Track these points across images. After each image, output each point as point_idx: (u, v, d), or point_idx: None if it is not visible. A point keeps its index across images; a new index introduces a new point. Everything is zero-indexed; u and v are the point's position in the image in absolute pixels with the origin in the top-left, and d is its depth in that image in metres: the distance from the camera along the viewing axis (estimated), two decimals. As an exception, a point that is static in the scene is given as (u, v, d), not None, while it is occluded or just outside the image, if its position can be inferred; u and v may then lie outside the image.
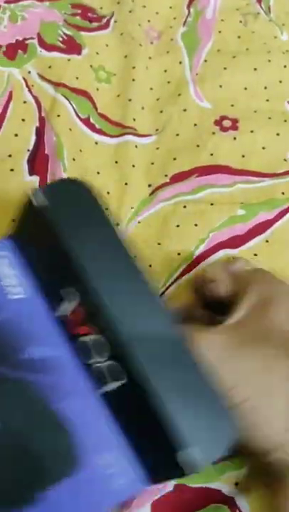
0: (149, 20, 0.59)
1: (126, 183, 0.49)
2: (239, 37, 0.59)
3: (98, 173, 0.50)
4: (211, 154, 0.51)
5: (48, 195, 0.30)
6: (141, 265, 0.31)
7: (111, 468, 0.28)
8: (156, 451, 0.28)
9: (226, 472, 0.37)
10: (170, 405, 0.26)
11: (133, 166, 0.50)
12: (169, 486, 0.37)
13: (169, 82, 0.55)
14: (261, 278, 0.36)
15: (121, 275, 0.30)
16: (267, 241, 0.47)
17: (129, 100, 0.53)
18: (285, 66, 0.57)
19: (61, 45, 0.55)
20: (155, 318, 0.29)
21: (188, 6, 0.61)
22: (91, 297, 0.29)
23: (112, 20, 0.58)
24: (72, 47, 0.55)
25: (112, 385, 0.29)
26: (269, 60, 0.57)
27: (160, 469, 0.28)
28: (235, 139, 0.52)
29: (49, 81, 0.52)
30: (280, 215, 0.48)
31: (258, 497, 0.36)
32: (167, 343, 0.28)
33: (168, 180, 0.50)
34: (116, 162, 0.50)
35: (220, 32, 0.59)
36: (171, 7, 0.61)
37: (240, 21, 0.60)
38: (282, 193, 0.49)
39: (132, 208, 0.48)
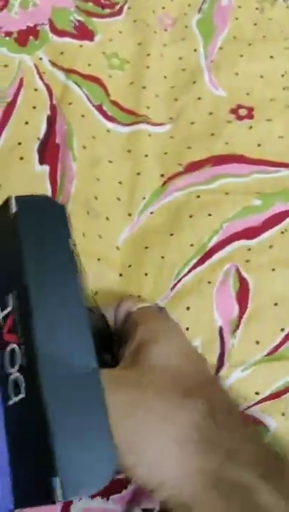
0: (163, 7, 0.57)
1: (138, 173, 0.48)
2: (255, 24, 0.57)
3: (110, 161, 0.48)
4: (226, 143, 0.49)
5: (20, 204, 0.30)
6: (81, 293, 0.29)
7: None
8: (32, 472, 0.26)
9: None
10: (56, 430, 0.25)
11: (146, 155, 0.49)
12: None
13: (183, 70, 0.54)
14: (146, 318, 0.35)
15: (59, 293, 0.29)
16: (282, 232, 0.45)
17: (143, 88, 0.52)
18: (302, 54, 0.55)
19: (73, 30, 0.53)
20: (76, 342, 0.28)
21: (204, -8, 0.59)
22: (22, 304, 0.28)
23: (126, 7, 0.57)
24: (84, 33, 0.54)
25: (14, 399, 0.27)
26: (286, 48, 0.55)
27: (30, 492, 0.27)
28: (251, 127, 0.50)
29: (61, 68, 0.51)
30: (297, 206, 0.46)
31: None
32: (76, 369, 0.27)
33: (182, 170, 0.48)
34: (128, 151, 0.49)
35: (236, 19, 0.57)
36: (186, -7, 0.59)
37: (257, 8, 0.58)
38: (300, 184, 0.47)
39: (144, 198, 0.47)
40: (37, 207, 0.30)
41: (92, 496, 0.36)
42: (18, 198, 0.30)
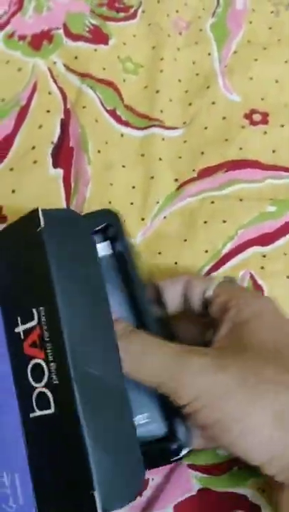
0: (177, 11, 0.57)
1: (152, 177, 0.48)
2: (270, 28, 0.57)
3: (123, 166, 0.48)
4: (240, 149, 0.49)
5: (47, 218, 0.30)
6: (109, 307, 0.30)
7: (5, 488, 0.28)
8: (59, 485, 0.27)
9: (252, 477, 0.36)
10: (92, 447, 0.26)
11: (160, 159, 0.49)
12: (194, 489, 0.35)
13: (197, 74, 0.54)
14: (232, 297, 0.34)
15: (89, 309, 0.29)
16: (297, 239, 0.45)
17: (157, 92, 0.52)
18: (317, 58, 0.55)
19: (87, 34, 0.53)
20: (107, 362, 0.29)
21: (218, -4, 0.59)
22: (51, 321, 0.28)
23: (140, 11, 0.57)
24: (98, 37, 0.54)
25: (39, 412, 0.28)
26: (302, 52, 0.55)
27: (58, 504, 0.27)
28: (265, 133, 0.50)
29: (75, 72, 0.51)
30: (312, 212, 0.46)
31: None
32: (109, 388, 0.28)
33: (195, 175, 0.48)
34: (142, 155, 0.49)
35: (250, 22, 0.57)
36: (200, -3, 0.59)
37: (272, 12, 0.58)
38: (315, 190, 0.47)
39: (157, 202, 0.47)
40: (63, 221, 0.30)
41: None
42: (45, 212, 0.30)
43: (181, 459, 0.31)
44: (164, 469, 0.36)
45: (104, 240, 0.36)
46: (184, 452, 0.31)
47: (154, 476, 0.36)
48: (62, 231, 0.30)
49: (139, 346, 0.30)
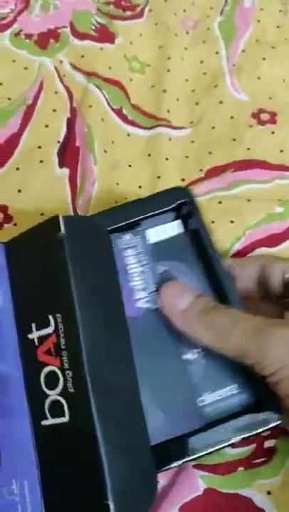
0: (184, 10, 0.57)
1: (158, 177, 0.47)
2: (278, 27, 0.56)
3: (130, 165, 0.48)
4: (248, 149, 0.49)
5: (67, 226, 0.30)
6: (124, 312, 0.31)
7: (14, 496, 0.28)
8: (71, 493, 0.27)
9: (258, 479, 0.35)
10: (109, 458, 0.26)
11: (166, 159, 0.48)
12: (200, 488, 0.35)
13: (205, 73, 0.53)
14: None
15: (105, 317, 0.29)
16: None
17: (164, 91, 0.51)
18: None
19: (94, 33, 0.53)
20: (122, 369, 0.29)
21: (226, -5, 0.59)
22: (69, 330, 0.28)
23: (147, 9, 0.56)
24: (105, 35, 0.53)
25: (51, 421, 0.28)
26: (310, 51, 0.54)
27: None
28: (273, 133, 0.50)
29: (81, 70, 0.51)
30: None
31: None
32: (124, 395, 0.28)
33: (203, 175, 0.48)
34: (149, 155, 0.49)
35: (258, 21, 0.57)
36: (208, -4, 0.59)
37: (280, 10, 0.57)
38: None
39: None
40: (83, 228, 0.30)
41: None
42: (66, 219, 0.30)
43: (270, 429, 0.31)
44: (170, 471, 0.36)
45: (176, 218, 0.36)
46: (273, 424, 0.31)
47: (160, 479, 0.36)
48: (82, 238, 0.30)
49: (223, 321, 0.30)
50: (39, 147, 0.46)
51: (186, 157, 0.49)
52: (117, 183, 0.47)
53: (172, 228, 0.36)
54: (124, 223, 0.35)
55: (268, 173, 0.47)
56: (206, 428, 0.31)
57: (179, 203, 0.36)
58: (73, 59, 0.51)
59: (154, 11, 0.56)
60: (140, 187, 0.47)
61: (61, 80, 0.50)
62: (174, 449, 0.31)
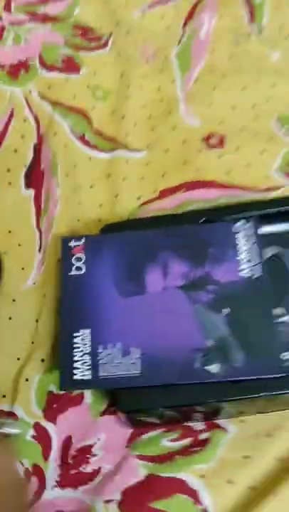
0: (145, 40, 0.62)
1: (117, 195, 0.53)
2: (231, 57, 0.62)
3: (91, 186, 0.53)
4: (197, 170, 0.54)
5: None
6: None
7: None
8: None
9: (193, 465, 0.41)
10: None
11: (124, 179, 0.54)
12: (140, 475, 0.40)
13: (161, 100, 0.59)
14: None
15: None
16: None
17: (123, 117, 0.57)
18: (273, 85, 0.60)
19: (60, 65, 0.59)
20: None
21: (184, 26, 0.64)
22: None
23: (110, 41, 0.62)
24: (71, 67, 0.59)
25: None
26: (258, 80, 0.60)
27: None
28: (221, 156, 0.55)
29: (48, 100, 0.56)
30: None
31: (223, 493, 0.40)
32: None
33: (157, 195, 0.53)
34: (108, 175, 0.54)
35: (212, 51, 0.62)
36: (167, 27, 0.64)
37: (233, 41, 0.63)
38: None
39: (121, 218, 0.52)
40: None
41: (63, 486, 0.41)
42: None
43: None
44: (115, 459, 0.42)
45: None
46: None
47: (106, 465, 0.41)
48: None
49: None
50: (8, 170, 0.52)
51: (142, 178, 0.54)
52: (79, 203, 0.52)
53: (284, 225, 0.46)
54: (244, 216, 0.46)
55: (214, 192, 0.53)
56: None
57: None
58: (41, 89, 0.56)
59: (116, 41, 0.62)
60: (101, 205, 0.52)
61: (30, 109, 0.55)
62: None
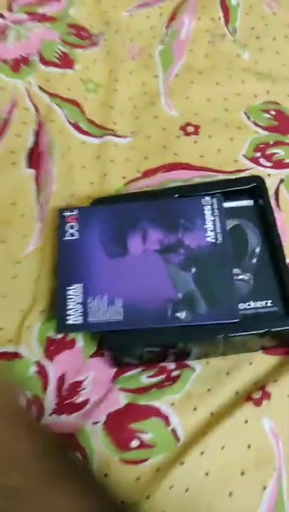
0: (131, 40, 0.71)
1: (105, 174, 0.61)
2: (207, 55, 0.70)
3: (83, 167, 0.62)
4: (175, 154, 0.63)
5: None
6: None
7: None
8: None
9: (165, 395, 0.50)
10: None
11: (112, 160, 0.62)
12: (122, 403, 0.49)
13: (145, 93, 0.67)
14: None
15: None
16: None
17: (111, 107, 0.65)
18: (243, 81, 0.68)
19: (57, 61, 0.67)
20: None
21: (167, 27, 0.73)
22: None
23: (102, 39, 0.70)
24: (66, 62, 0.67)
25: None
26: (230, 76, 0.68)
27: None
28: (196, 142, 0.64)
29: (46, 91, 0.64)
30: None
31: (189, 417, 0.49)
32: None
33: (140, 175, 0.62)
34: (98, 157, 0.62)
35: (191, 51, 0.70)
36: (151, 27, 0.73)
37: (209, 41, 0.71)
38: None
39: (109, 194, 0.60)
40: None
41: (59, 413, 0.50)
42: None
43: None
44: (101, 391, 0.50)
45: (249, 196, 0.56)
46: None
47: (94, 396, 0.50)
48: None
49: None
50: (12, 152, 0.60)
51: (127, 160, 0.63)
52: (72, 181, 0.61)
53: (245, 202, 0.55)
54: (212, 192, 0.55)
55: (189, 173, 0.62)
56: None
57: (254, 185, 0.55)
58: (40, 82, 0.65)
59: (107, 40, 0.70)
60: (91, 183, 0.61)
61: (30, 99, 0.63)
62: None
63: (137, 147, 0.64)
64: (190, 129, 0.65)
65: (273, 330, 0.48)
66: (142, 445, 0.47)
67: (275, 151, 0.63)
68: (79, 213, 0.54)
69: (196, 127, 0.65)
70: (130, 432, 0.48)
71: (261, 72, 0.69)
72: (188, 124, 0.65)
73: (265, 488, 0.46)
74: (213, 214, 0.53)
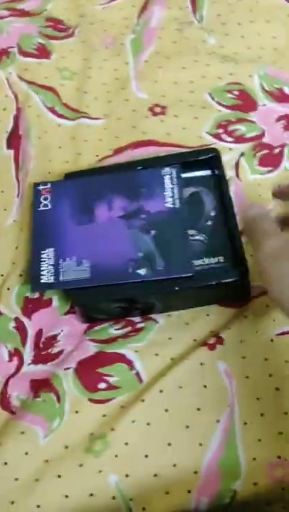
0: (105, 30, 0.77)
1: (79, 154, 0.67)
2: (175, 42, 0.76)
3: (59, 147, 0.68)
4: (144, 133, 0.69)
5: None
6: None
7: None
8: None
9: (130, 343, 0.56)
10: None
11: (85, 140, 0.68)
12: (91, 352, 0.55)
13: (117, 79, 0.73)
14: None
15: None
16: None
17: (85, 92, 0.71)
18: (208, 65, 0.74)
19: (35, 52, 0.73)
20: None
21: (138, 17, 0.78)
22: None
23: (77, 30, 0.76)
24: (43, 53, 0.73)
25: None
26: (195, 61, 0.74)
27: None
28: (162, 121, 0.70)
29: (24, 80, 0.71)
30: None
31: (151, 361, 0.55)
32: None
33: (111, 153, 0.68)
34: (73, 138, 0.69)
35: (160, 38, 0.76)
36: (125, 18, 0.79)
37: (177, 29, 0.77)
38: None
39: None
40: None
41: (36, 363, 0.56)
42: None
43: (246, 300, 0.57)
44: (74, 342, 0.57)
45: (206, 166, 0.61)
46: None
47: (67, 347, 0.57)
48: None
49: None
50: (-7, 135, 0.67)
51: (100, 140, 0.69)
52: (50, 160, 0.67)
53: (203, 172, 0.61)
54: (172, 163, 0.61)
55: (157, 150, 0.67)
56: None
57: (211, 156, 0.61)
58: (19, 72, 0.71)
59: (82, 31, 0.76)
60: (67, 161, 0.67)
61: (10, 87, 0.70)
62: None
63: (108, 128, 0.70)
64: (158, 109, 0.70)
65: (222, 281, 0.54)
66: (109, 387, 0.54)
67: (237, 127, 0.69)
68: (52, 187, 0.60)
69: (164, 108, 0.70)
70: (98, 376, 0.54)
71: (226, 55, 0.75)
72: (156, 105, 0.71)
73: (218, 421, 0.52)
74: (172, 183, 0.59)
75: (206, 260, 0.56)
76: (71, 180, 0.61)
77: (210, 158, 0.61)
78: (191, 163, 0.61)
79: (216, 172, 0.61)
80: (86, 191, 0.59)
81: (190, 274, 0.54)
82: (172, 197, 0.58)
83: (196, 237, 0.57)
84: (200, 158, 0.61)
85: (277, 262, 0.42)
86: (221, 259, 0.56)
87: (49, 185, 0.60)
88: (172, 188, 0.58)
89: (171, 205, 0.57)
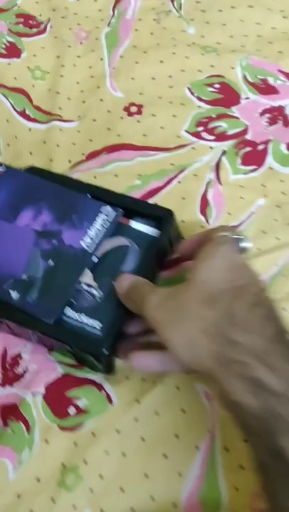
0: (79, 24, 0.73)
1: (51, 159, 0.64)
2: (152, 33, 0.72)
3: (31, 153, 0.65)
4: (119, 135, 0.65)
5: None
6: None
7: None
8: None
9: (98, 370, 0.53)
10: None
11: (57, 145, 0.65)
12: (58, 373, 0.53)
13: (92, 77, 0.69)
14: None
15: None
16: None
17: (57, 93, 0.68)
18: (187, 57, 0.70)
19: (4, 51, 0.69)
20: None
21: (113, 8, 0.74)
22: None
23: (49, 26, 0.72)
24: (13, 52, 0.70)
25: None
26: (174, 53, 0.70)
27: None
28: (139, 121, 0.66)
29: (-8, 83, 0.67)
30: (168, 181, 0.62)
31: (122, 384, 0.52)
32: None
33: (84, 158, 0.64)
34: (44, 142, 0.65)
35: (136, 30, 0.72)
36: (100, 10, 0.74)
37: (154, 19, 0.73)
38: (171, 164, 0.63)
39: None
40: None
41: (3, 385, 0.53)
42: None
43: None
44: (39, 360, 0.54)
45: (156, 227, 0.54)
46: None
47: (32, 365, 0.54)
48: None
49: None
50: None
51: (73, 144, 0.65)
52: (20, 168, 0.63)
53: (151, 230, 0.54)
54: (119, 205, 0.55)
55: (131, 153, 0.64)
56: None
57: (161, 216, 0.54)
58: (-13, 73, 0.67)
59: (54, 26, 0.72)
60: (39, 169, 0.64)
61: (-23, 91, 0.66)
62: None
63: (82, 131, 0.66)
64: (133, 109, 0.66)
65: (74, 347, 0.50)
66: (78, 411, 0.51)
67: (218, 124, 0.65)
68: (5, 171, 0.58)
69: (140, 107, 0.66)
70: (66, 400, 0.51)
71: (207, 45, 0.70)
72: (132, 104, 0.67)
73: (197, 447, 0.49)
74: (103, 225, 0.54)
75: (83, 318, 0.50)
76: (25, 173, 0.58)
77: (161, 219, 0.54)
78: (145, 215, 0.55)
79: (159, 236, 0.54)
80: (27, 190, 0.56)
81: (49, 322, 0.50)
82: (91, 239, 0.53)
83: (92, 291, 0.51)
84: (152, 214, 0.55)
85: (163, 308, 0.44)
86: (98, 325, 0.50)
87: (3, 168, 0.58)
88: (98, 230, 0.53)
89: (85, 246, 0.52)
